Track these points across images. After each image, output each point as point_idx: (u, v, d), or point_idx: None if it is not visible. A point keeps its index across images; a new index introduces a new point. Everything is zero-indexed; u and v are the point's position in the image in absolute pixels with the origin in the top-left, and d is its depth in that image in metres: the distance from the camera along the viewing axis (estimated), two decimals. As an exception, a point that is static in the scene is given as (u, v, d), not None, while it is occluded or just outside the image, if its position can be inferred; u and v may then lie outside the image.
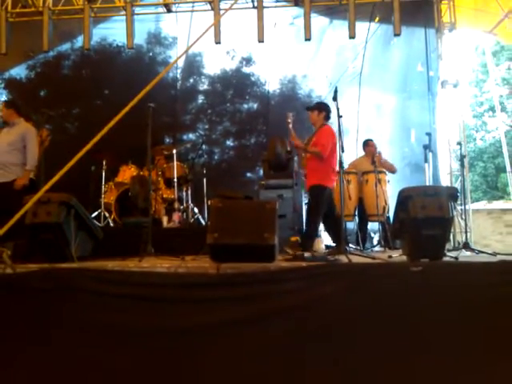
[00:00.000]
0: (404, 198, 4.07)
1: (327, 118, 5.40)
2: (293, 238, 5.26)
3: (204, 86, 9.04)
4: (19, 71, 8.79)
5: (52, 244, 4.19)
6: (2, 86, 8.83)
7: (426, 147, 5.67)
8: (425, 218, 3.86)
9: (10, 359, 3.21)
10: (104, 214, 6.74)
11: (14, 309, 3.30)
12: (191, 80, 9.03)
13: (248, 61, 8.80)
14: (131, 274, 3.53)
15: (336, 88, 4.78)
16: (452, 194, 4.18)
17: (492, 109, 16.55)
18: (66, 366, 3.16)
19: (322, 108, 5.42)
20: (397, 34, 6.86)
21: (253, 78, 8.85)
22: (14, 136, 5.27)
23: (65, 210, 4.21)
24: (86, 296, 3.28)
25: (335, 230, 5.20)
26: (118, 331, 3.21)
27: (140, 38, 8.20)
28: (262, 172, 7.77)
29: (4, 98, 8.84)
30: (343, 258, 4.21)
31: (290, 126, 5.26)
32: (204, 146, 8.07)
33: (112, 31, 8.33)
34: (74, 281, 3.35)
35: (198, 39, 3.52)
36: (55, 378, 3.16)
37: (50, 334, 3.22)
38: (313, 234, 5.20)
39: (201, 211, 6.99)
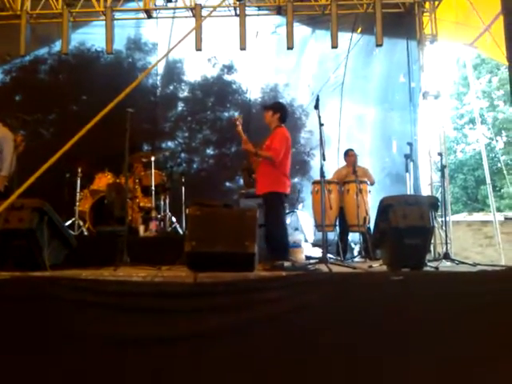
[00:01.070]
0: (385, 206, 4.05)
1: (282, 119, 5.13)
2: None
3: (184, 93, 8.94)
4: (-6, 75, 8.60)
5: (24, 251, 4.05)
6: (-23, 89, 8.59)
7: (408, 157, 5.68)
8: (406, 227, 3.85)
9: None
10: (78, 223, 6.58)
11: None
12: (171, 87, 8.93)
13: (229, 68, 8.75)
14: (107, 283, 3.46)
15: (318, 96, 4.76)
16: (433, 204, 4.16)
17: (472, 121, 16.89)
18: (39, 376, 3.08)
19: (278, 108, 5.18)
20: (379, 45, 6.93)
21: (234, 86, 8.79)
22: None
23: (38, 216, 4.08)
24: (59, 305, 3.22)
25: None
26: (93, 340, 3.13)
27: (119, 44, 8.13)
28: (241, 181, 7.71)
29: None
30: (324, 268, 4.15)
31: (239, 128, 5.07)
32: (183, 154, 7.98)
33: (91, 36, 8.22)
34: (48, 289, 3.27)
35: (177, 44, 3.46)
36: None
37: (22, 342, 3.13)
38: (284, 243, 4.95)
39: (178, 220, 6.88)
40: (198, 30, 6.80)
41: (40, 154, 5.37)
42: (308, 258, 5.57)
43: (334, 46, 6.97)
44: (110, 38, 7.19)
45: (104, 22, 7.24)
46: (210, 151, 8.87)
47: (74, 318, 3.17)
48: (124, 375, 3.09)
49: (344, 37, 7.61)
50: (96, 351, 3.11)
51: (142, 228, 6.27)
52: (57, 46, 8.06)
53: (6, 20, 7.41)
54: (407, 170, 5.71)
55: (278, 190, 4.96)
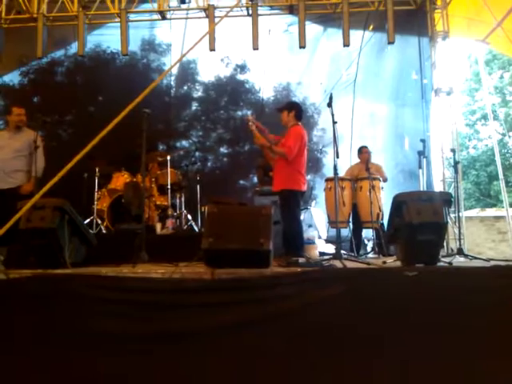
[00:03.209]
0: (398, 203, 4.07)
1: (298, 116, 5.15)
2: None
3: (198, 93, 9.04)
4: (12, 77, 8.74)
5: (46, 250, 4.12)
6: (-5, 92, 8.77)
7: (421, 153, 5.69)
8: (420, 223, 3.85)
9: (2, 365, 3.17)
10: (96, 221, 6.69)
11: (6, 315, 3.26)
12: (185, 87, 9.03)
13: (242, 68, 8.83)
14: (126, 280, 3.51)
15: (331, 94, 4.77)
16: (446, 200, 4.18)
17: (484, 117, 16.76)
18: (61, 373, 3.13)
19: (291, 107, 5.20)
20: (391, 42, 6.94)
21: (247, 85, 8.87)
22: (21, 142, 5.24)
23: (59, 215, 4.15)
24: (80, 301, 3.26)
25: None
26: (114, 337, 3.18)
27: (134, 45, 8.23)
28: (255, 179, 7.78)
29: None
30: (338, 264, 4.20)
31: (253, 127, 5.10)
32: (197, 153, 8.06)
33: (106, 38, 8.33)
34: (69, 286, 3.32)
35: (192, 48, 3.53)
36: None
37: (44, 339, 3.19)
38: (299, 240, 4.99)
39: (194, 218, 6.96)
40: (212, 31, 6.87)
41: (58, 155, 5.54)
42: (322, 254, 5.62)
43: (346, 44, 6.99)
44: (125, 40, 7.28)
45: (119, 24, 7.33)
46: (223, 150, 8.96)
47: (95, 315, 3.22)
48: (144, 370, 3.13)
49: (356, 35, 7.64)
50: (117, 347, 3.16)
51: (158, 226, 6.36)
52: (73, 48, 8.17)
53: (22, 23, 7.53)
54: (420, 167, 5.72)
55: (292, 187, 4.99)
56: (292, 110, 5.16)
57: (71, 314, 3.26)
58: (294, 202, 5.00)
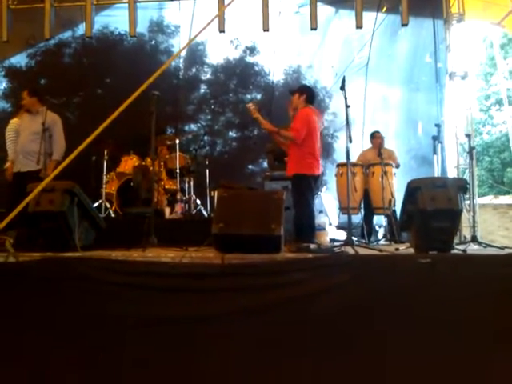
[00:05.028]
0: (412, 189, 4.01)
1: (309, 100, 5.09)
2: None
3: (207, 75, 8.92)
4: (19, 59, 8.68)
5: (55, 233, 4.12)
6: (3, 74, 8.71)
7: (435, 139, 5.59)
8: (434, 210, 3.80)
9: (13, 348, 3.17)
10: (105, 205, 6.67)
11: (16, 297, 3.25)
12: (194, 69, 8.92)
13: (252, 50, 8.68)
14: (136, 264, 3.51)
15: (344, 77, 4.67)
16: (461, 186, 4.10)
17: (499, 102, 16.46)
18: (71, 355, 3.13)
19: (303, 90, 5.14)
20: (404, 24, 6.75)
21: (257, 68, 8.73)
22: (39, 125, 5.18)
23: (68, 198, 4.14)
24: (90, 285, 3.26)
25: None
26: (123, 320, 3.18)
27: (142, 27, 8.12)
28: (264, 164, 7.72)
29: (4, 86, 8.77)
30: (350, 250, 4.15)
31: (256, 114, 5.06)
32: (206, 137, 7.99)
33: (114, 19, 8.22)
34: (79, 270, 3.32)
35: (202, 30, 3.44)
36: (59, 367, 3.12)
37: (53, 322, 3.19)
38: (309, 226, 4.94)
39: (203, 203, 6.92)
40: (221, 9, 6.74)
41: (66, 138, 5.50)
42: (332, 240, 5.58)
43: (359, 25, 6.80)
44: (133, 21, 7.16)
45: (127, 5, 7.20)
46: (232, 134, 8.87)
47: (104, 298, 3.22)
48: (152, 355, 3.12)
49: (368, 16, 7.44)
50: (126, 331, 3.16)
51: (167, 210, 6.35)
52: (80, 30, 8.08)
53: (30, 4, 7.44)
54: (435, 152, 5.62)
55: (303, 171, 4.91)
56: (303, 94, 5.09)
57: (81, 298, 3.26)
58: (305, 186, 4.91)
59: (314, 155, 4.97)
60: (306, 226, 4.86)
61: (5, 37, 7.14)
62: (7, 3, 7.24)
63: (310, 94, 5.12)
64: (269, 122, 5.17)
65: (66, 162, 2.36)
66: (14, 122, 5.87)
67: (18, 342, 3.18)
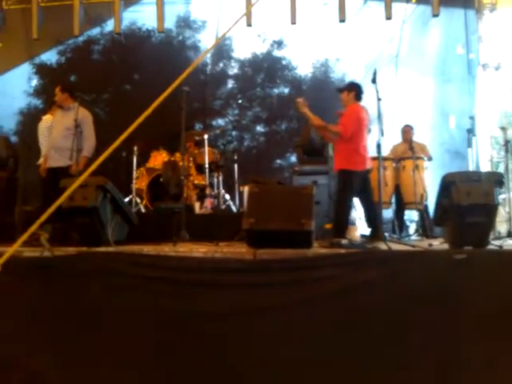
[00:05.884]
0: (447, 183, 3.94)
1: (358, 97, 5.07)
2: (327, 226, 5.14)
3: (234, 70, 8.93)
4: (50, 56, 8.82)
5: (88, 228, 4.18)
6: (34, 71, 8.86)
7: (470, 131, 5.46)
8: (469, 205, 3.73)
9: (48, 341, 3.24)
10: (135, 200, 6.72)
11: (52, 291, 3.32)
12: (221, 64, 8.92)
13: (279, 44, 8.64)
14: (168, 259, 3.54)
15: (375, 70, 4.63)
16: (498, 180, 4.02)
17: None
18: (104, 348, 3.20)
19: (352, 87, 5.13)
20: (435, 15, 6.62)
21: (284, 62, 8.69)
22: (71, 120, 5.21)
23: (101, 193, 4.20)
24: (123, 279, 3.34)
25: (370, 216, 5.02)
26: (156, 314, 3.24)
27: (169, 22, 8.14)
28: (292, 158, 7.68)
29: (35, 83, 8.92)
30: (382, 246, 4.09)
31: (304, 109, 4.99)
32: (234, 132, 8.00)
33: (141, 15, 8.25)
34: (112, 264, 3.37)
35: (231, 27, 3.39)
36: (92, 360, 3.21)
37: (88, 316, 3.25)
38: (343, 222, 4.92)
39: (232, 198, 6.93)
40: (249, 7, 6.70)
41: (97, 134, 5.55)
42: (363, 236, 5.51)
43: (388, 16, 6.68)
44: (160, 17, 7.17)
45: (154, 0, 7.22)
46: (260, 128, 8.86)
47: (137, 293, 3.28)
48: (184, 349, 3.18)
49: (398, 7, 7.26)
50: (158, 325, 3.23)
51: (197, 205, 6.37)
52: (108, 26, 8.18)
53: (59, 1, 7.53)
54: (469, 146, 5.50)
55: (348, 167, 4.88)
56: (352, 91, 5.06)
57: (114, 292, 3.32)
58: (345, 182, 4.89)
59: (360, 152, 4.93)
60: (338, 221, 4.88)
61: (36, 34, 7.24)
62: (38, 1, 7.34)
63: (358, 91, 5.09)
64: (318, 117, 5.12)
65: (103, 157, 2.37)
66: (46, 118, 5.97)
67: (51, 336, 3.25)
